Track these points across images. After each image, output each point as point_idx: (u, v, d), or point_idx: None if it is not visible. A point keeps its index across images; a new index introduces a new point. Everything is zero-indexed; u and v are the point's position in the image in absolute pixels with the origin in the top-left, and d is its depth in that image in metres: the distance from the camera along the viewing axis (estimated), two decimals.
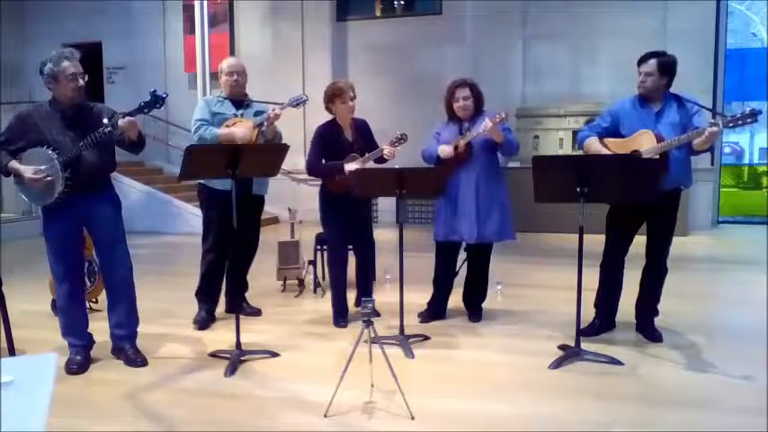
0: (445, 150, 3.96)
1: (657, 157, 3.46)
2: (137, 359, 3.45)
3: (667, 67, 3.64)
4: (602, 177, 3.26)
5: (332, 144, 4.08)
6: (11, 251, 6.98)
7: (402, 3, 10.31)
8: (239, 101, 4.16)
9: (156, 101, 3.19)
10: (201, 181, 4.14)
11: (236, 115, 4.09)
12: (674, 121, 3.61)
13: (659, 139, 3.50)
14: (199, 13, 8.87)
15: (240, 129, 3.97)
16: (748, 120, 3.33)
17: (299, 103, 4.07)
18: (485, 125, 3.77)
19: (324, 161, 4.10)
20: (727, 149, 19.33)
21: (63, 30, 10.99)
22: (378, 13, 10.31)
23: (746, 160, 22.99)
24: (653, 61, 3.63)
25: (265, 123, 4.00)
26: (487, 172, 4.00)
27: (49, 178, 3.16)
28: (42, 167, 3.15)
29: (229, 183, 3.98)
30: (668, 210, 3.68)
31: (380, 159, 4.11)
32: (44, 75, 3.19)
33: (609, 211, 3.81)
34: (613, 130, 3.73)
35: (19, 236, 8.02)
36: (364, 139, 4.15)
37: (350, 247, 4.33)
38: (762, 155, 22.47)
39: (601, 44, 8.90)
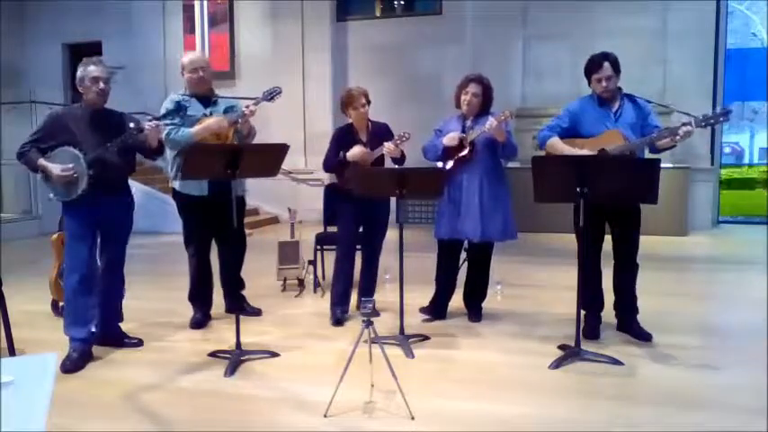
0: (450, 136, 3.97)
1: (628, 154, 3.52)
2: (132, 339, 3.75)
3: (618, 64, 3.71)
4: (602, 178, 3.25)
5: (346, 144, 4.14)
6: (11, 251, 6.98)
7: (402, 3, 10.31)
8: (206, 98, 4.05)
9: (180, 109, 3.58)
10: (176, 186, 4.09)
11: (206, 114, 4.00)
12: (631, 120, 3.67)
13: (625, 138, 3.57)
14: (199, 13, 8.90)
15: (213, 118, 3.93)
16: (720, 119, 3.43)
17: (272, 96, 3.98)
18: (490, 123, 3.78)
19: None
20: (727, 149, 19.35)
21: (63, 30, 11.01)
22: (378, 13, 10.31)
23: (746, 160, 23.02)
24: (607, 63, 3.67)
25: (240, 121, 3.93)
26: (491, 172, 4.01)
27: (75, 175, 3.36)
28: (70, 165, 3.35)
29: (206, 188, 3.98)
30: (632, 208, 3.70)
31: (395, 161, 4.11)
32: (77, 79, 3.48)
33: (574, 214, 3.68)
34: (572, 131, 3.76)
35: (19, 236, 8.02)
36: (380, 141, 4.13)
37: (357, 246, 4.33)
38: (762, 155, 22.49)
39: (601, 44, 8.82)
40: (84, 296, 3.49)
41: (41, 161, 3.38)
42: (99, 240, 3.61)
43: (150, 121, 3.48)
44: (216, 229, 4.12)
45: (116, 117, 3.57)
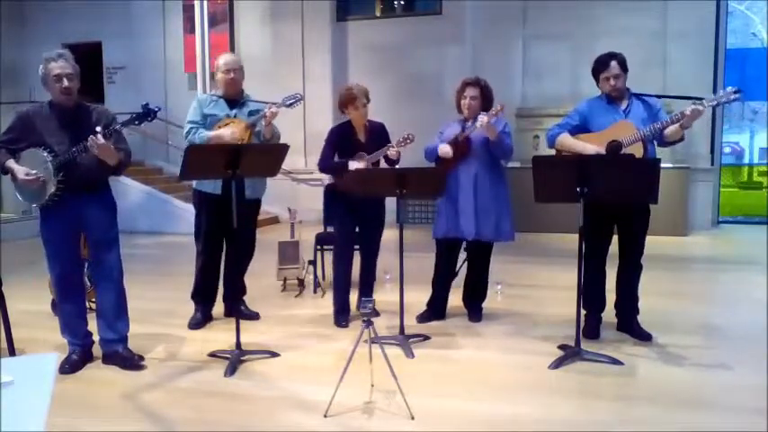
0: (443, 150, 3.97)
1: (642, 151, 3.52)
2: (133, 358, 3.41)
3: (625, 63, 3.73)
4: (603, 177, 3.25)
5: (344, 144, 4.13)
6: (11, 251, 6.98)
7: (402, 3, 10.31)
8: (234, 100, 4.08)
9: (148, 114, 3.15)
10: (194, 184, 4.12)
11: (228, 116, 4.01)
12: (642, 116, 3.68)
13: (637, 128, 3.58)
14: (199, 13, 8.87)
15: (229, 129, 3.91)
16: (732, 98, 3.41)
17: (293, 102, 3.97)
18: (480, 121, 3.77)
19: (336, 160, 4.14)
20: (727, 149, 19.34)
21: (63, 30, 11.00)
22: (378, 13, 10.31)
23: (746, 160, 23.01)
24: (614, 63, 3.70)
25: (262, 123, 3.93)
26: (487, 169, 4.00)
27: (42, 180, 3.18)
28: (34, 171, 3.16)
29: (220, 186, 3.97)
30: (641, 208, 3.69)
31: (390, 161, 4.10)
32: (40, 78, 3.22)
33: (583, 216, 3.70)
34: (582, 129, 3.78)
35: (19, 236, 8.01)
36: (377, 141, 4.13)
37: (355, 246, 4.32)
38: (762, 155, 22.47)
39: (601, 44, 8.81)
40: (66, 303, 3.41)
41: (9, 162, 3.20)
42: (87, 246, 3.44)
43: (106, 131, 3.07)
44: (226, 228, 4.11)
45: (90, 115, 3.29)
